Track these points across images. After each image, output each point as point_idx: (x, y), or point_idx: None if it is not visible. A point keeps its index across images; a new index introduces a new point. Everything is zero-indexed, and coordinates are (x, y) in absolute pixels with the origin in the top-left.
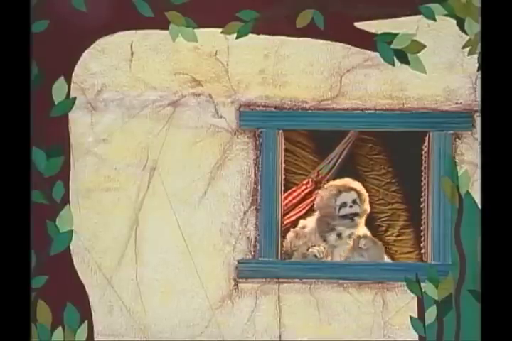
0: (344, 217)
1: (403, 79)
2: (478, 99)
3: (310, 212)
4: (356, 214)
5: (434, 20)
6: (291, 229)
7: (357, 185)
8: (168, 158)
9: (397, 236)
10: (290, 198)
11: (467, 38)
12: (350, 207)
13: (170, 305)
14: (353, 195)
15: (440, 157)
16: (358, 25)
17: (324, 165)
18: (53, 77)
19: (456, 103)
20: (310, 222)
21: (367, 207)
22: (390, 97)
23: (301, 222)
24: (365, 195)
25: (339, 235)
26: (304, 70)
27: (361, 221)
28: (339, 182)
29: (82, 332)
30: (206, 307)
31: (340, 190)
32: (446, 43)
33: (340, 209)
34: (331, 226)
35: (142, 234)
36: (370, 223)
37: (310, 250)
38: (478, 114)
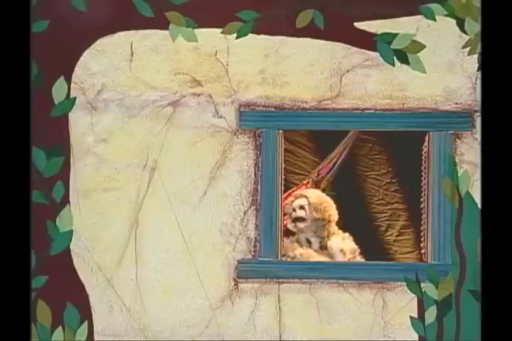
0: (294, 220)
1: (403, 79)
2: (478, 99)
3: None
4: (300, 219)
5: (434, 20)
6: None
7: (312, 193)
8: (168, 158)
9: (397, 236)
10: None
11: (467, 38)
12: (294, 211)
13: (170, 305)
14: (303, 201)
15: (440, 157)
16: (358, 25)
17: (324, 165)
18: (53, 77)
19: (456, 103)
20: None
21: (316, 215)
22: (389, 97)
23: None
24: (317, 202)
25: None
26: (304, 70)
27: (305, 226)
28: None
29: (82, 332)
30: (206, 307)
31: (296, 197)
32: (446, 43)
33: (291, 214)
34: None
35: (142, 234)
36: (370, 223)
37: None
38: (478, 114)
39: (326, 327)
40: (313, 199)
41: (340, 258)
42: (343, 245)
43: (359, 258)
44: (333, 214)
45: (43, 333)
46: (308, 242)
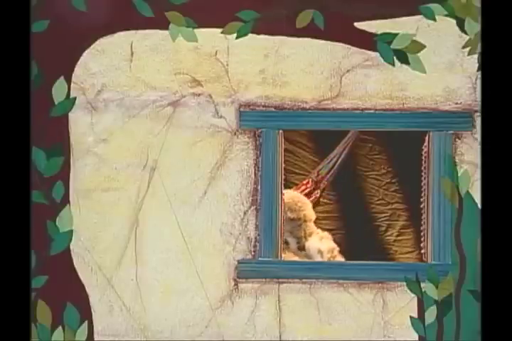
0: None
1: (403, 79)
2: (478, 99)
3: None
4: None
5: (434, 20)
6: None
7: (286, 193)
8: (168, 158)
9: (397, 236)
10: None
11: (467, 38)
12: None
13: (170, 305)
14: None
15: (440, 157)
16: (358, 25)
17: (324, 165)
18: (53, 77)
19: (456, 103)
20: None
21: (291, 215)
22: (390, 97)
23: None
24: (291, 202)
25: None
26: (304, 70)
27: (287, 225)
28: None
29: (82, 332)
30: (206, 307)
31: None
32: (446, 43)
33: None
34: None
35: (142, 234)
36: (370, 223)
37: None
38: (478, 114)
39: (326, 327)
40: (287, 199)
41: (318, 258)
42: (320, 245)
43: (339, 258)
44: (309, 213)
45: (43, 333)
46: (286, 243)
